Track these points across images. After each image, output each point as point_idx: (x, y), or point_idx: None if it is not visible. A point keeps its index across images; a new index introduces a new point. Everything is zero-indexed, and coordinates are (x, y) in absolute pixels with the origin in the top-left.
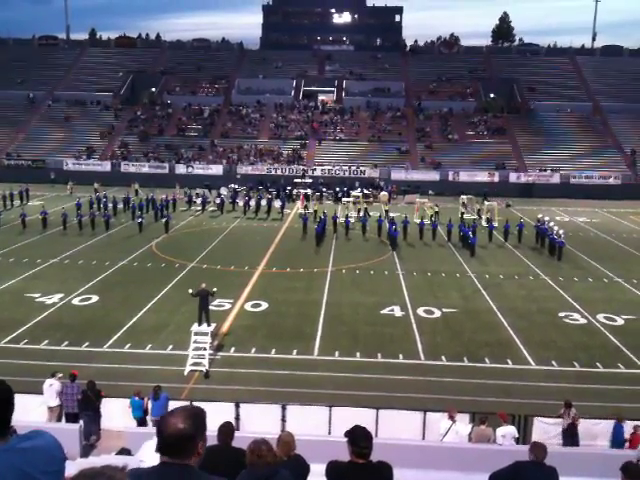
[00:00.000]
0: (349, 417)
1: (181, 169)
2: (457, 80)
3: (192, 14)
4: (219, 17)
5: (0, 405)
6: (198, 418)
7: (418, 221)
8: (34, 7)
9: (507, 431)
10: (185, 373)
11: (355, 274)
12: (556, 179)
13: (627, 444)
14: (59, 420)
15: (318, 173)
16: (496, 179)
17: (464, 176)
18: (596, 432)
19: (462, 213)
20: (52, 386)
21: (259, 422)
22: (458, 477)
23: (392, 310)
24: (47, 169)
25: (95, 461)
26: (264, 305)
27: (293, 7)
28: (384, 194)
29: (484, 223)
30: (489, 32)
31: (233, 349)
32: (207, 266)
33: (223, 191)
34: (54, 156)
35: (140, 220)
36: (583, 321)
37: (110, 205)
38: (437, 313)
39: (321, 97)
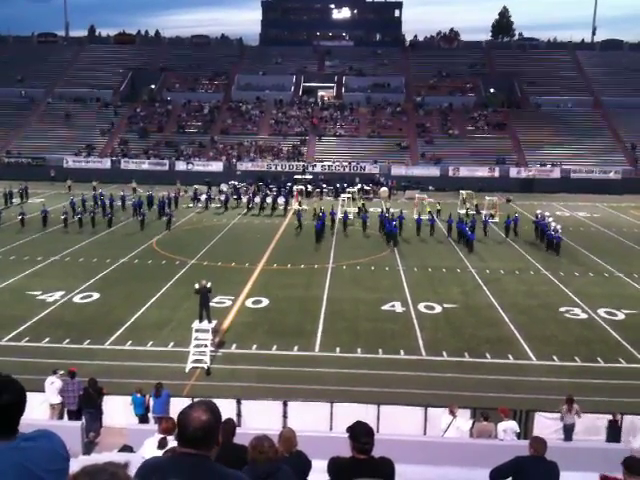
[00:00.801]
0: (350, 413)
1: (181, 166)
2: (457, 75)
3: (191, 10)
4: (218, 13)
5: (14, 407)
6: (216, 409)
7: (416, 217)
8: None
9: (508, 426)
10: (186, 370)
11: (356, 270)
12: (556, 174)
13: None
14: (61, 417)
15: (318, 169)
16: (496, 174)
17: (464, 171)
18: (597, 427)
19: (467, 209)
20: (54, 384)
21: (260, 419)
22: (460, 472)
23: (393, 306)
24: (47, 167)
25: (97, 458)
26: (265, 301)
27: (292, 3)
28: (384, 190)
29: (484, 218)
30: (489, 27)
31: (234, 346)
32: (208, 263)
33: (224, 188)
34: (54, 153)
35: (142, 217)
36: (584, 316)
37: (107, 202)
38: (438, 309)
39: (321, 93)
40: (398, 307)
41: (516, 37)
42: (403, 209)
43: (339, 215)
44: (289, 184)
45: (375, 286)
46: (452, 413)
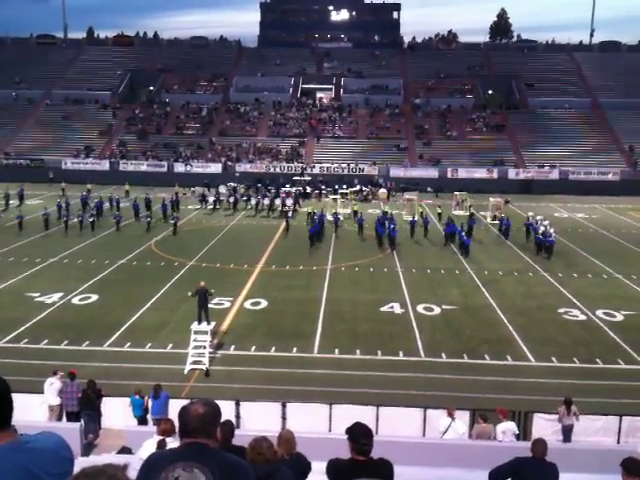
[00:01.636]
0: (349, 414)
1: (179, 168)
2: (455, 77)
3: (190, 12)
4: (217, 15)
5: None
6: (215, 407)
7: (410, 218)
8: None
9: (507, 427)
10: (185, 371)
11: (354, 272)
12: (555, 175)
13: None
14: (59, 419)
15: (317, 171)
16: (495, 175)
17: (463, 173)
18: (596, 428)
19: (471, 214)
20: (53, 385)
21: (259, 420)
22: (459, 474)
23: (392, 307)
24: (46, 168)
25: (96, 460)
26: (264, 303)
27: (291, 5)
28: (383, 191)
29: (489, 220)
30: (487, 28)
31: (233, 347)
32: (206, 264)
33: (222, 189)
34: (53, 155)
35: (149, 220)
36: (582, 317)
37: (107, 204)
38: (437, 310)
39: (319, 94)
40: (397, 308)
41: (514, 39)
42: (398, 211)
43: (329, 217)
44: (287, 185)
45: (374, 287)
46: (450, 415)
